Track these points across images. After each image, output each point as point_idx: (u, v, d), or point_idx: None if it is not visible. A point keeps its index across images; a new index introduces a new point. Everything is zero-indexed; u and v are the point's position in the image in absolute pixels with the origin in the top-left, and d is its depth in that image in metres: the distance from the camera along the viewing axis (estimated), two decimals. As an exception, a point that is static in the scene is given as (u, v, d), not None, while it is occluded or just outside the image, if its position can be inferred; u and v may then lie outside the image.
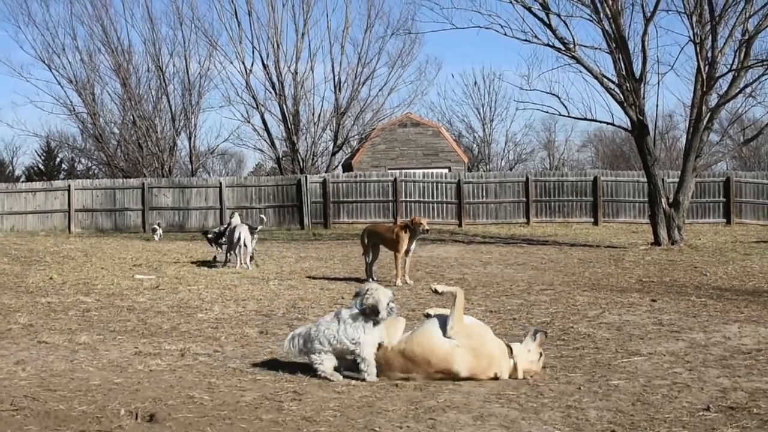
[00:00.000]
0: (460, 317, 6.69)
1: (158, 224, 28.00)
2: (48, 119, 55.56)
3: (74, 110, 43.36)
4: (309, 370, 6.93)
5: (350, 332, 6.70)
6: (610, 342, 8.35)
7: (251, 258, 16.38)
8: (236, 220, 16.81)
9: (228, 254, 16.74)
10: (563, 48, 21.95)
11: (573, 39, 21.88)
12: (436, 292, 7.21)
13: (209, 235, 18.08)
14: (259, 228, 16.97)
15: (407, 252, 13.90)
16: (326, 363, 6.79)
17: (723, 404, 5.95)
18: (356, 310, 6.75)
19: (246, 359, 7.59)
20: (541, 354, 6.81)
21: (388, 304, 6.75)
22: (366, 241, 14.48)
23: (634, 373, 6.97)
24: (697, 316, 9.90)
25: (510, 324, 9.56)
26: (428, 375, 6.59)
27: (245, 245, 16.05)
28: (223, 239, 17.13)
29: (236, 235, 16.06)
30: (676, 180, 24.01)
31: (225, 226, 17.66)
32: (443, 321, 6.73)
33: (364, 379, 6.66)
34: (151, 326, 9.59)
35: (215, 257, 17.51)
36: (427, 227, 13.89)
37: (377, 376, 6.69)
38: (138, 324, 9.75)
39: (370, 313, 6.69)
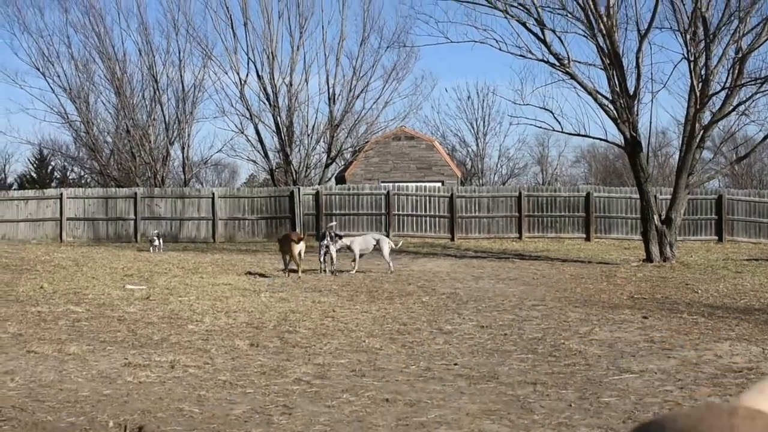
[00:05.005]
0: None
1: (157, 234, 26.86)
2: (41, 127, 55.56)
3: (68, 118, 43.33)
4: (299, 383, 6.90)
5: None
6: (601, 359, 8.33)
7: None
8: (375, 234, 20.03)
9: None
10: (558, 63, 22.02)
11: (567, 55, 21.96)
12: None
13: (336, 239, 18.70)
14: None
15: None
16: None
17: (714, 423, 5.92)
18: None
19: (236, 372, 7.56)
20: None
21: None
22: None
23: (626, 390, 6.96)
24: (689, 334, 9.90)
25: (501, 340, 9.54)
26: None
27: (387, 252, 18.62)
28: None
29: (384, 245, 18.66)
30: (669, 197, 24.06)
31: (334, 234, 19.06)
32: None
33: None
34: (141, 337, 9.54)
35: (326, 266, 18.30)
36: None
37: None
38: (128, 335, 9.70)
39: None
